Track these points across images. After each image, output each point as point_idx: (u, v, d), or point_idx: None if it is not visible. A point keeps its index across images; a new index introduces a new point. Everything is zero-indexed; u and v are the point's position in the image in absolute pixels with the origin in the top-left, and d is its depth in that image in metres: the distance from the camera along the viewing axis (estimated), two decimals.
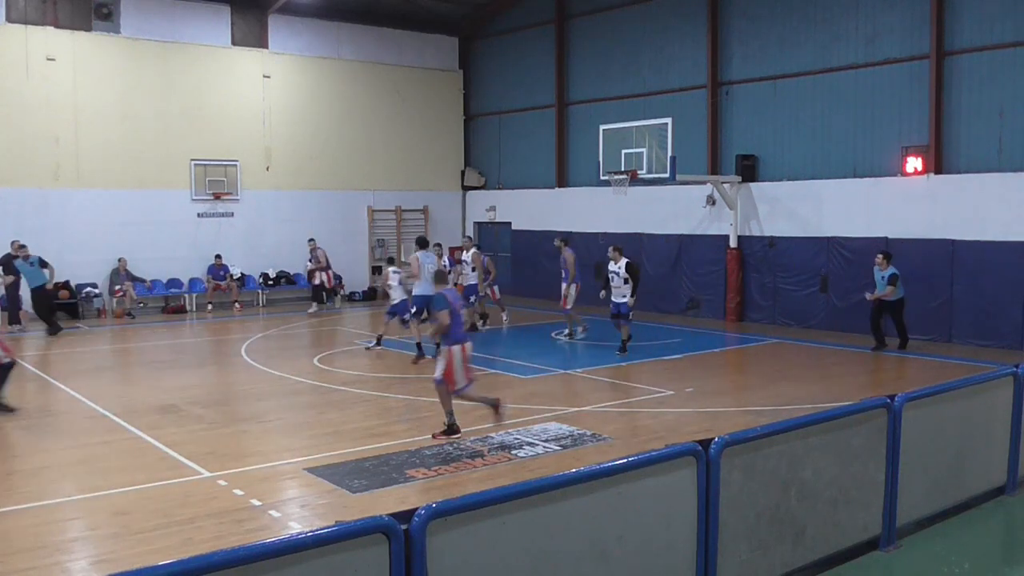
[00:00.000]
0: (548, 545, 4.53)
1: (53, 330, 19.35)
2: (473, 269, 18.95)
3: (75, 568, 6.78)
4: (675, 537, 5.14)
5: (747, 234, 20.88)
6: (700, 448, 5.19)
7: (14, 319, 19.59)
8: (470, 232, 28.46)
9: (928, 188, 17.78)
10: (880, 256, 16.31)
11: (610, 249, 16.25)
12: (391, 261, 19.66)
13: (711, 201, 21.41)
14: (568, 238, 19.55)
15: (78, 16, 22.45)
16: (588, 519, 4.73)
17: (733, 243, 20.96)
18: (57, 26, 22.11)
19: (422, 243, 16.36)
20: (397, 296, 16.59)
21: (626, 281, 15.74)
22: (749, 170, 20.76)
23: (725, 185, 20.79)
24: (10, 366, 11.87)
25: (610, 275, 16.02)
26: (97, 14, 22.72)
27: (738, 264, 20.91)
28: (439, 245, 19.06)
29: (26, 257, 19.36)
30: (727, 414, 11.57)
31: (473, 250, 19.47)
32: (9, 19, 21.51)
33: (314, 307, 23.55)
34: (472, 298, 18.56)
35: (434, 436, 10.20)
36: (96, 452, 10.10)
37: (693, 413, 11.59)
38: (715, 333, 19.28)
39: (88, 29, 22.59)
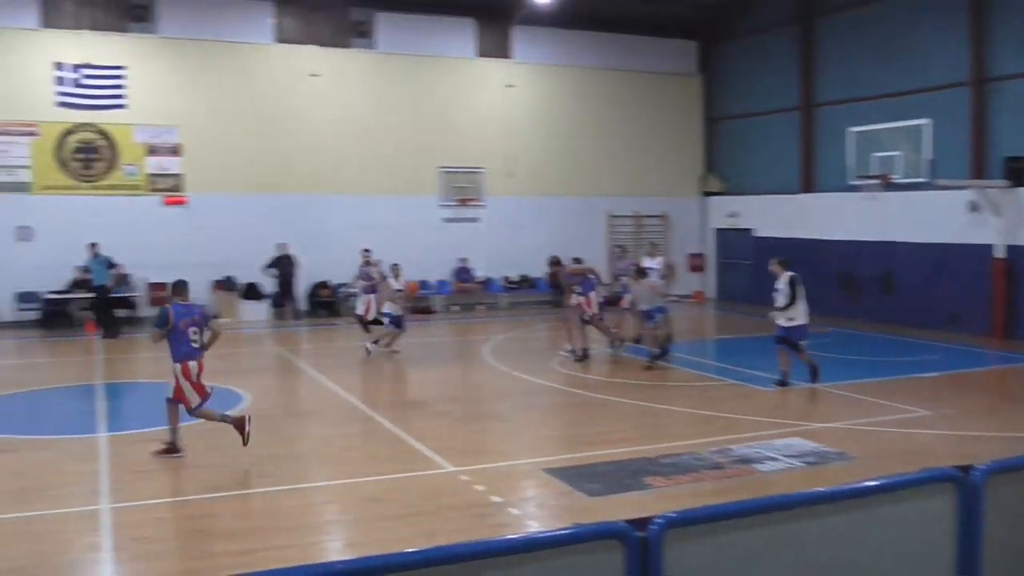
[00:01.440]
0: (788, 565, 4.37)
1: (109, 333, 19.65)
2: (663, 276, 18.17)
3: (331, 549, 7.26)
4: (927, 572, 4.81)
5: (1017, 243, 19.18)
6: (960, 474, 4.82)
7: (289, 314, 21.53)
8: (710, 239, 28.00)
9: None
10: None
11: (772, 262, 13.83)
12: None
13: (974, 207, 19.84)
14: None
15: (338, 35, 24.12)
16: (831, 542, 4.51)
17: (999, 253, 19.32)
18: (320, 45, 23.85)
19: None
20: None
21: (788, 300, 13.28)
22: (1018, 173, 19.06)
23: (990, 190, 19.23)
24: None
25: (774, 293, 13.59)
26: (355, 32, 24.31)
27: (1005, 276, 19.25)
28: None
29: (96, 255, 20.39)
30: (989, 439, 10.70)
31: (660, 257, 18.72)
32: (278, 39, 23.44)
33: (370, 347, 17.01)
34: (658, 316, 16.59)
35: (153, 453, 9.72)
36: (351, 442, 10.79)
37: (950, 436, 10.80)
38: (977, 350, 17.82)
39: (347, 46, 24.22)
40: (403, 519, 7.77)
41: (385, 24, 24.51)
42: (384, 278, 17.92)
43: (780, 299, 13.34)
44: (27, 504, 8.21)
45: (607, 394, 13.31)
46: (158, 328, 9.76)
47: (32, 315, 21.44)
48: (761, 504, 4.37)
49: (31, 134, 21.55)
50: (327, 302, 23.56)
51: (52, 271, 21.06)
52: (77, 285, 21.58)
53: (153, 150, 22.58)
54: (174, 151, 22.74)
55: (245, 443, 9.72)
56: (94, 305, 20.44)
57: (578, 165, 26.79)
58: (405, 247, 24.48)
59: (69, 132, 21.84)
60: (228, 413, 10.28)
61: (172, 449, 9.73)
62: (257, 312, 22.76)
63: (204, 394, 9.83)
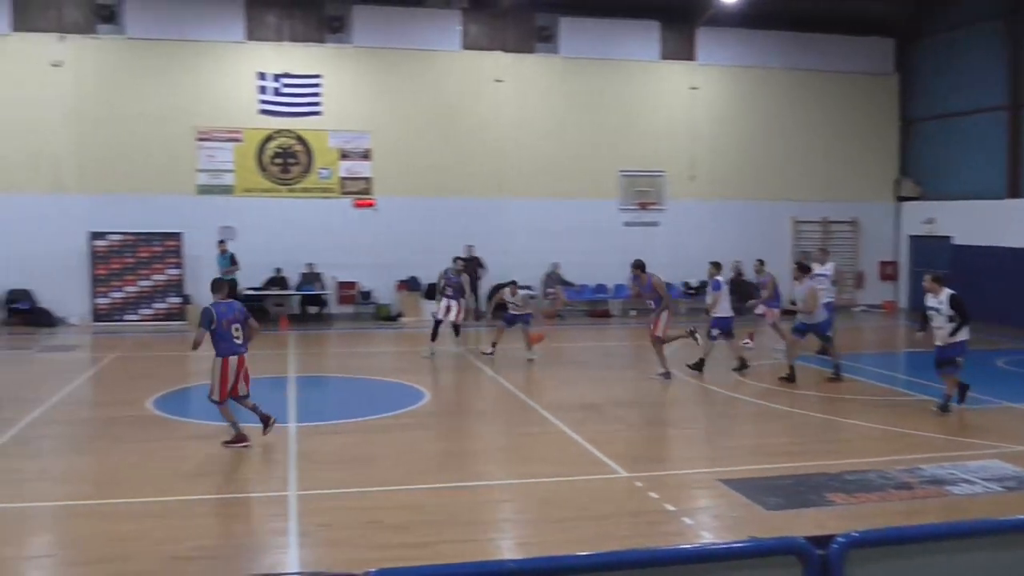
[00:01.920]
0: None
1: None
2: (834, 282, 16.87)
3: (504, 547, 7.33)
4: None
5: None
6: None
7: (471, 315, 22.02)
8: (904, 246, 26.63)
9: None
10: None
11: (927, 279, 12.60)
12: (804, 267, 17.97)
13: None
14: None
15: (522, 40, 24.46)
16: None
17: None
18: (504, 50, 24.25)
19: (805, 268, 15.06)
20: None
21: (950, 319, 11.95)
22: None
23: None
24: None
25: (928, 312, 12.39)
26: (539, 37, 24.58)
27: None
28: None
29: (223, 252, 21.34)
30: None
31: (830, 263, 17.37)
32: (464, 46, 24.01)
33: (426, 350, 17.18)
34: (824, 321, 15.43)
35: (223, 443, 10.01)
36: (525, 441, 10.88)
37: None
38: None
39: (531, 51, 24.51)
40: (576, 522, 7.76)
41: (568, 29, 24.65)
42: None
43: (940, 320, 12.00)
44: (220, 487, 8.73)
45: (788, 405, 12.85)
46: (204, 328, 10.01)
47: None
48: (956, 529, 4.09)
49: (235, 140, 22.99)
50: (505, 304, 23.83)
51: (251, 269, 22.31)
52: (272, 283, 22.83)
53: (345, 155, 23.61)
54: (365, 155, 23.68)
55: (223, 444, 10.03)
56: None
57: (763, 168, 26.06)
58: (584, 250, 24.56)
59: (269, 138, 23.14)
60: (239, 425, 10.22)
61: (240, 438, 10.09)
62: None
63: (236, 394, 10.20)
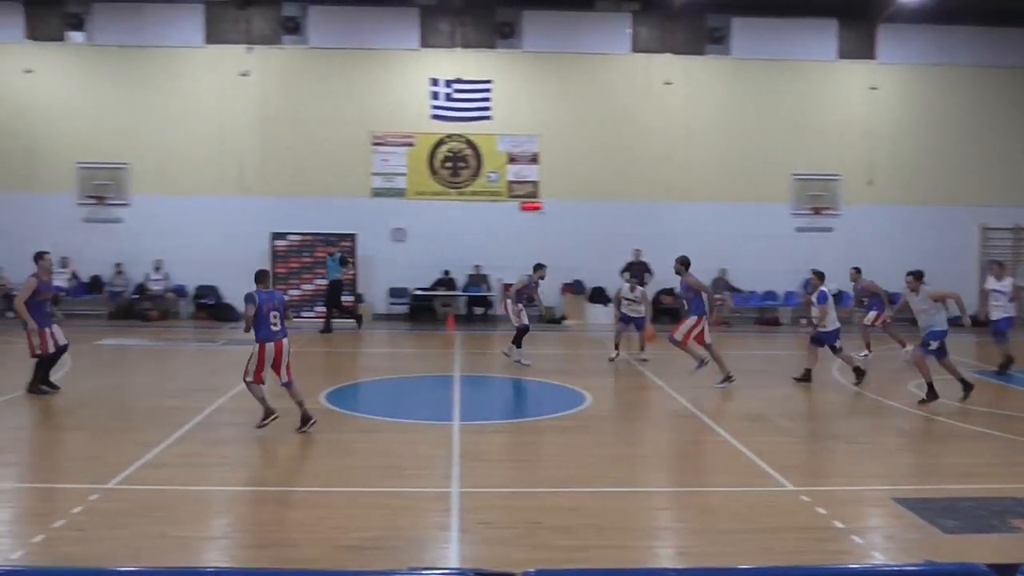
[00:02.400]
0: None
1: (326, 328, 21.05)
2: (1011, 300, 15.59)
3: (662, 555, 7.21)
4: None
5: None
6: None
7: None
8: None
9: None
10: None
11: (995, 265, 14.17)
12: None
13: None
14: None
15: (693, 42, 24.10)
16: None
17: None
18: (674, 53, 23.94)
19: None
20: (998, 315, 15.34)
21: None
22: None
23: None
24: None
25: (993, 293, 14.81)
26: (710, 39, 24.14)
27: None
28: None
29: (331, 254, 21.87)
30: None
31: (1008, 278, 16.10)
32: (634, 49, 23.87)
33: (513, 350, 16.60)
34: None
35: (258, 424, 10.62)
36: (688, 449, 10.70)
37: None
38: None
39: (701, 53, 24.12)
40: (738, 534, 7.55)
41: (741, 29, 24.13)
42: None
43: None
44: (387, 480, 8.96)
45: (972, 423, 12.09)
46: (251, 305, 10.55)
47: (401, 309, 23.55)
48: None
49: (408, 144, 23.70)
50: (670, 309, 23.56)
51: (420, 270, 22.98)
52: (440, 283, 23.37)
53: (513, 158, 23.93)
54: (533, 159, 23.93)
55: (257, 427, 10.65)
56: (327, 298, 22.05)
57: (948, 172, 24.70)
58: (753, 256, 23.96)
59: (440, 142, 23.73)
60: (269, 405, 10.74)
61: (268, 413, 10.68)
62: (604, 315, 23.30)
63: (283, 382, 10.78)
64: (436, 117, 23.71)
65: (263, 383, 10.79)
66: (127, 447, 10.08)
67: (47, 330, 12.87)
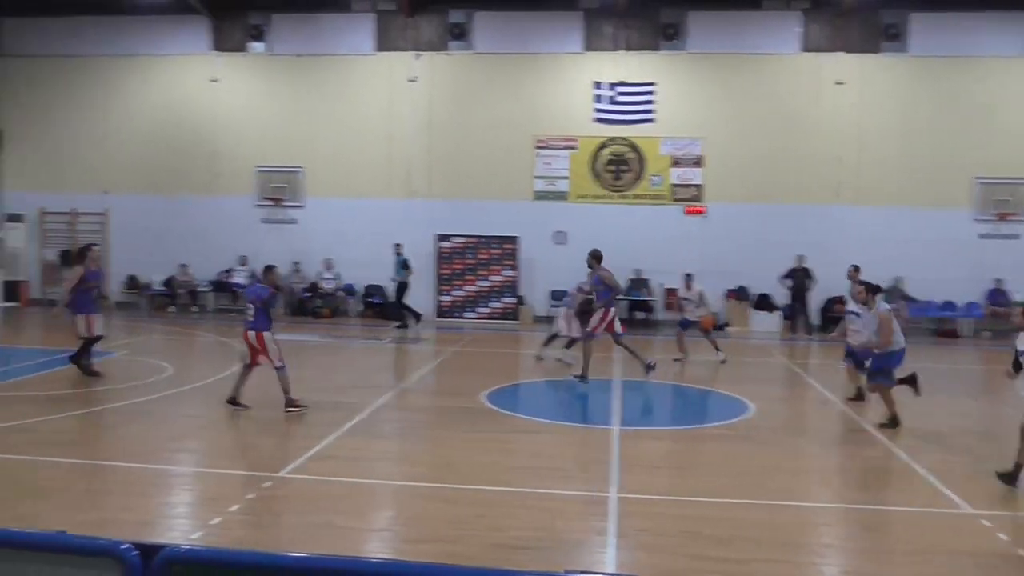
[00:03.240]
0: None
1: (401, 326, 21.91)
2: None
3: (827, 573, 6.94)
4: None
5: None
6: None
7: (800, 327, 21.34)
8: None
9: None
10: None
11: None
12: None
13: None
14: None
15: (867, 40, 23.12)
16: None
17: None
18: (847, 51, 23.04)
19: None
20: None
21: None
22: None
23: None
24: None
25: None
26: (885, 36, 23.10)
27: None
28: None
29: (398, 255, 22.40)
30: None
31: None
32: (804, 48, 23.11)
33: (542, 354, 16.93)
34: None
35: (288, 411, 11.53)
36: (855, 464, 10.26)
37: None
38: None
39: (876, 51, 23.11)
40: (907, 556, 7.18)
41: (920, 25, 22.98)
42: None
43: None
44: (545, 482, 9.00)
45: None
46: (270, 305, 11.70)
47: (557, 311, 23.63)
48: None
49: (571, 148, 23.78)
50: (840, 318, 22.62)
51: (581, 273, 22.83)
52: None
53: (677, 161, 23.63)
54: (696, 162, 23.56)
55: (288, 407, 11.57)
56: (396, 297, 22.71)
57: None
58: (930, 264, 22.77)
59: (603, 145, 23.70)
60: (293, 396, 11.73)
61: (294, 404, 11.62)
62: (768, 323, 22.70)
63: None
64: (599, 120, 23.68)
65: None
66: (297, 438, 10.54)
67: (91, 316, 13.97)
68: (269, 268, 12.21)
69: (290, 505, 8.10)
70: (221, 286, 24.97)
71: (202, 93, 25.19)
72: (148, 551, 2.63)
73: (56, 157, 25.69)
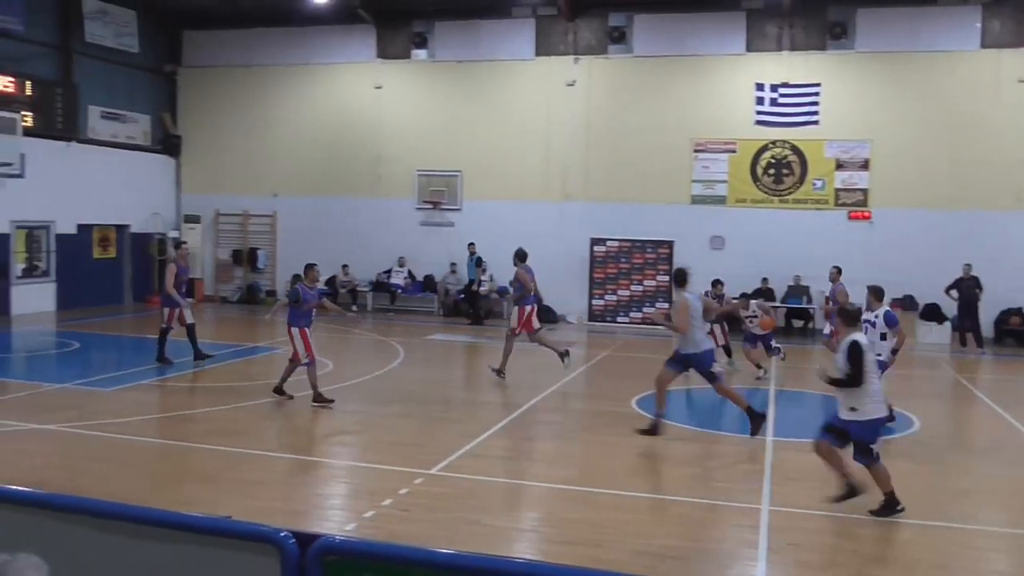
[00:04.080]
0: None
1: (476, 321, 22.75)
2: None
3: None
4: None
5: None
6: None
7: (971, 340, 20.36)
8: None
9: None
10: None
11: None
12: None
13: None
14: None
15: None
16: None
17: None
18: None
19: None
20: None
21: None
22: None
23: None
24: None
25: None
26: None
27: None
28: None
29: (472, 255, 23.22)
30: None
31: None
32: (983, 45, 21.84)
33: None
34: None
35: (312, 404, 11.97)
36: None
37: None
38: None
39: None
40: None
41: None
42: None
43: None
44: (694, 491, 8.88)
45: None
46: (292, 300, 12.14)
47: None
48: None
49: (730, 151, 23.32)
50: (1016, 331, 21.34)
51: (738, 279, 22.46)
52: (758, 293, 22.71)
53: (841, 165, 22.79)
54: (863, 166, 22.67)
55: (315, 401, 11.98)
56: (466, 297, 23.34)
57: None
58: None
59: (764, 148, 23.12)
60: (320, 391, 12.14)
61: (322, 398, 12.04)
62: (937, 335, 21.58)
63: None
64: (761, 123, 23.09)
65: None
66: (450, 436, 10.77)
67: (177, 309, 15.13)
68: (309, 267, 12.60)
69: (441, 502, 8.29)
70: (380, 286, 25.75)
71: (367, 99, 26.07)
72: (304, 540, 2.77)
73: (230, 161, 27.16)
